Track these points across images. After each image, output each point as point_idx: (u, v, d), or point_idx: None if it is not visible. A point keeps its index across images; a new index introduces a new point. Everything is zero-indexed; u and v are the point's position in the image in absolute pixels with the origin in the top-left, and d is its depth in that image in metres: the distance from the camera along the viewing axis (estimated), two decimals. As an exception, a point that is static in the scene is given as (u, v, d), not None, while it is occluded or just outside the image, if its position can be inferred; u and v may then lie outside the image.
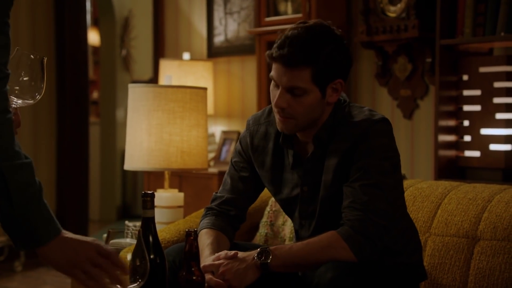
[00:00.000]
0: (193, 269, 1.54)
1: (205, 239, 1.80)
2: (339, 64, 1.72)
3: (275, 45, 1.70)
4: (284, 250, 1.66)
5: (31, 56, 1.37)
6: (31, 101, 1.38)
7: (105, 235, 1.60)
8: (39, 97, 1.38)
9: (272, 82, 1.74)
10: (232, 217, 1.88)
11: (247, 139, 1.89)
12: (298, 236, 1.87)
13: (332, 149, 1.74)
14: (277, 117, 1.75)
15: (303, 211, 1.82)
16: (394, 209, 1.72)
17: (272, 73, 1.72)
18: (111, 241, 1.52)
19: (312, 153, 1.78)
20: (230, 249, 1.84)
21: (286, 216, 2.36)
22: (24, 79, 1.36)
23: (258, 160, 1.87)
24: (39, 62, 1.38)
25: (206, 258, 1.72)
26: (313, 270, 1.67)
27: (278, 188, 1.86)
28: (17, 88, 1.36)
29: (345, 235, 1.65)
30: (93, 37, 7.09)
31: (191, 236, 1.53)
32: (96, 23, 7.17)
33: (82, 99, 4.95)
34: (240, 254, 1.69)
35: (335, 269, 1.60)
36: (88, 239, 1.31)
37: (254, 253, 1.67)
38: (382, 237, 1.67)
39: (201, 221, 1.90)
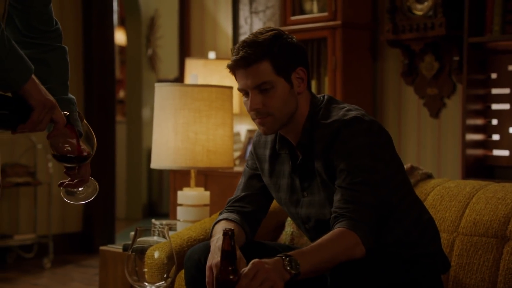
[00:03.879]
0: (230, 268, 1.52)
1: (221, 228, 1.77)
2: (294, 52, 1.78)
3: (231, 58, 1.78)
4: (307, 255, 1.60)
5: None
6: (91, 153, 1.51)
7: (132, 233, 1.62)
8: (95, 147, 1.52)
9: (243, 96, 1.79)
10: (247, 213, 1.88)
11: (251, 150, 1.96)
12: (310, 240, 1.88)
13: (314, 152, 1.78)
14: (256, 122, 1.80)
15: (304, 216, 1.83)
16: (385, 203, 1.72)
17: (238, 84, 1.78)
18: (139, 239, 1.54)
19: (301, 159, 1.81)
20: (254, 248, 1.84)
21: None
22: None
23: (260, 168, 1.92)
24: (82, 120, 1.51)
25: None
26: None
27: (277, 194, 1.89)
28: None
29: (350, 226, 1.64)
30: (120, 37, 7.15)
31: (227, 236, 1.52)
32: (122, 23, 7.23)
33: (109, 98, 5.00)
34: (262, 263, 1.55)
35: (352, 264, 1.60)
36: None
37: (281, 262, 1.56)
38: (375, 226, 1.68)
39: (216, 221, 1.90)
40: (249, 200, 1.90)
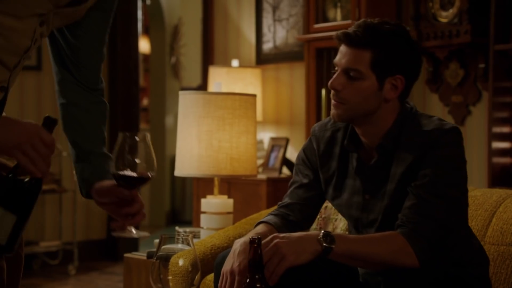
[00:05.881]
0: (256, 276, 1.51)
1: (255, 230, 1.77)
2: (402, 57, 1.70)
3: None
4: (349, 239, 1.61)
5: (135, 137, 1.40)
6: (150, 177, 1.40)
7: (156, 241, 1.62)
8: (155, 172, 1.40)
9: (333, 72, 1.74)
10: (290, 222, 1.84)
11: (313, 145, 1.86)
12: None
13: (399, 158, 1.70)
14: (332, 103, 1.74)
15: (364, 218, 1.79)
16: (452, 221, 1.67)
17: (336, 58, 1.73)
18: (163, 247, 1.54)
19: (376, 161, 1.74)
20: None
21: (336, 223, 2.34)
22: (136, 160, 1.40)
23: (323, 165, 1.85)
24: (143, 141, 1.41)
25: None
26: (369, 269, 1.64)
27: (338, 193, 1.83)
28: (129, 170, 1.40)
29: (408, 235, 1.61)
30: (144, 45, 7.21)
31: (254, 244, 1.51)
32: (146, 31, 7.29)
33: (133, 106, 5.04)
34: (298, 233, 1.62)
35: (399, 275, 1.59)
36: (31, 122, 1.28)
37: (316, 233, 1.59)
38: (439, 245, 1.64)
39: (258, 222, 1.88)
40: (294, 209, 1.85)
